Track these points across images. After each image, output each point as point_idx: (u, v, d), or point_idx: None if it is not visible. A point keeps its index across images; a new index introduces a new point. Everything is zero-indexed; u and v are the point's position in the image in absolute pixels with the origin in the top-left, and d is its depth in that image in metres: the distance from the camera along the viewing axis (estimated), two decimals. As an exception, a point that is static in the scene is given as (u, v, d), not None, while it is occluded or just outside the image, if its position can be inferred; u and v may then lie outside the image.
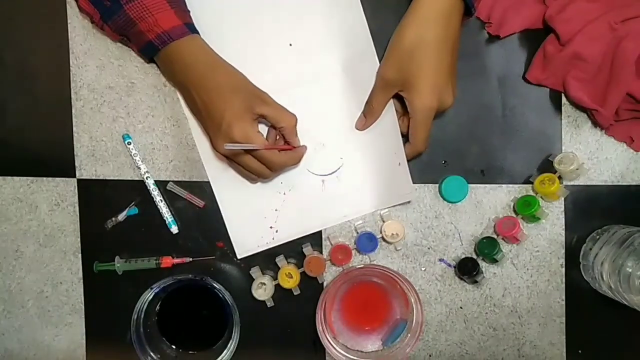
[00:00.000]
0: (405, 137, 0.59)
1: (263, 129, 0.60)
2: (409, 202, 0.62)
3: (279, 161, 0.57)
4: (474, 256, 0.62)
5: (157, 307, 0.65)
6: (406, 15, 0.53)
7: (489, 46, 0.61)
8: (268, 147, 0.55)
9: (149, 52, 0.56)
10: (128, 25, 0.54)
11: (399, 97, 0.57)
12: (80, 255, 0.65)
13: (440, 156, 0.62)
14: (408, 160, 0.59)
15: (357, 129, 0.61)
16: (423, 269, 0.63)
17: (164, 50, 0.55)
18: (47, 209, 0.65)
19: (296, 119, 0.57)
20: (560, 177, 0.59)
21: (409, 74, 0.53)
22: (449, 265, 0.63)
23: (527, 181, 0.61)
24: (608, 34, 0.54)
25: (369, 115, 0.60)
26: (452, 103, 0.55)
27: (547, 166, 0.61)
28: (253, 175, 0.59)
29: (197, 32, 0.57)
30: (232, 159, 0.58)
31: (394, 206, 0.62)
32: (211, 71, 0.55)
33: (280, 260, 0.63)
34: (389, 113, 0.59)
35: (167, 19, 0.53)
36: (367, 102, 0.60)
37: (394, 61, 0.54)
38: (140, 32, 0.54)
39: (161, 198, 0.63)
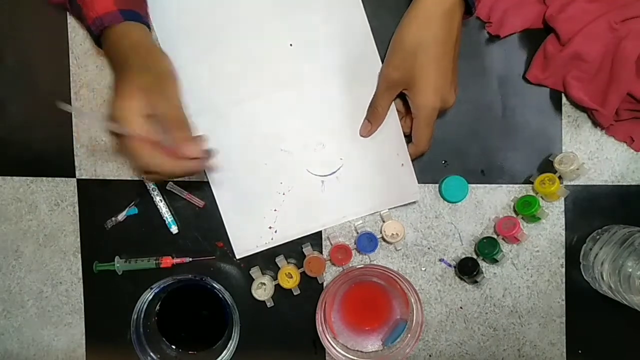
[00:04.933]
0: (408, 138, 0.59)
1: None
2: (414, 202, 0.62)
3: (153, 162, 0.49)
4: (474, 256, 0.62)
5: (157, 307, 0.65)
6: (407, 14, 0.53)
7: (489, 46, 0.61)
8: (140, 137, 0.48)
9: (92, 37, 0.56)
10: (78, 9, 0.55)
11: (401, 97, 0.58)
12: (80, 255, 0.65)
13: (440, 156, 0.62)
14: (412, 160, 0.60)
15: (362, 135, 0.61)
16: (423, 269, 0.63)
17: (103, 38, 0.54)
18: (47, 208, 0.65)
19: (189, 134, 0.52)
20: (560, 177, 0.59)
21: (412, 74, 0.53)
22: (449, 265, 0.63)
23: (527, 181, 0.61)
24: (608, 33, 0.54)
25: (374, 120, 0.59)
26: (454, 102, 0.55)
27: (547, 166, 0.61)
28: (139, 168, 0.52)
29: (141, 20, 0.55)
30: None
31: (395, 206, 0.62)
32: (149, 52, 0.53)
33: (280, 260, 0.63)
34: (391, 114, 0.59)
35: (103, 4, 0.53)
36: (370, 106, 0.59)
37: (396, 61, 0.54)
38: (84, 16, 0.54)
39: (161, 198, 0.63)
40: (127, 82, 0.50)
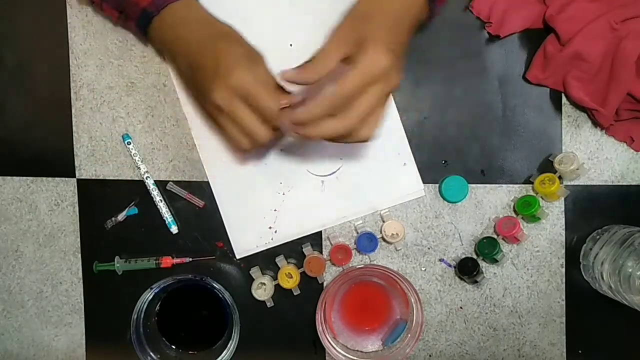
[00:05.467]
0: (409, 138, 0.59)
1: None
2: (417, 198, 0.62)
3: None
4: (474, 256, 0.62)
5: (157, 307, 0.65)
6: None
7: (489, 46, 0.60)
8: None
9: (145, 21, 0.54)
10: (119, 2, 0.54)
11: None
12: (80, 255, 0.65)
13: (440, 156, 0.62)
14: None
15: (286, 79, 0.49)
16: (423, 269, 0.63)
17: (159, 18, 0.53)
18: (47, 208, 0.65)
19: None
20: (560, 177, 0.59)
21: (364, 34, 0.47)
22: (449, 265, 0.63)
23: (528, 181, 0.61)
24: (608, 33, 0.54)
25: (308, 67, 0.48)
26: (398, 83, 0.48)
27: (547, 166, 0.61)
28: (243, 141, 0.51)
29: None
30: (220, 120, 0.51)
31: (394, 206, 0.62)
32: (206, 26, 0.53)
33: (280, 260, 0.63)
34: (392, 113, 0.59)
35: None
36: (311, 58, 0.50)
37: (349, 21, 0.50)
38: (134, 1, 0.53)
39: (161, 198, 0.63)
40: (222, 55, 0.49)
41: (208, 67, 0.50)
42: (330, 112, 0.47)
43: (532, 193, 0.61)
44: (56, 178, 0.65)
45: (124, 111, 0.63)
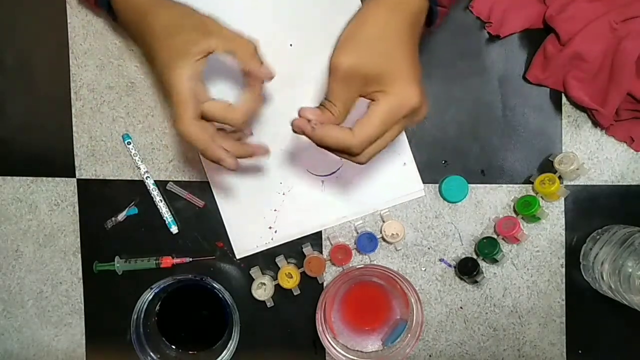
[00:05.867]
0: (409, 137, 0.59)
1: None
2: (417, 198, 0.62)
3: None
4: (474, 256, 0.62)
5: (157, 307, 0.65)
6: (369, 3, 0.44)
7: (489, 46, 0.60)
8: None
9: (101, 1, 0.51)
10: None
11: None
12: (80, 255, 0.65)
13: (440, 156, 0.62)
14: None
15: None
16: (423, 269, 0.63)
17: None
18: (47, 208, 0.65)
19: (254, 45, 0.48)
20: (560, 177, 0.59)
21: (381, 65, 0.42)
22: (449, 265, 0.63)
23: (528, 181, 0.61)
24: (608, 33, 0.54)
25: (324, 115, 0.44)
26: (426, 113, 0.45)
27: (547, 166, 0.61)
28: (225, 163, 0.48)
29: None
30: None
31: (394, 206, 0.62)
32: (146, 15, 0.48)
33: (280, 260, 0.63)
34: None
35: None
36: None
37: (357, 47, 0.42)
38: None
39: (161, 198, 0.63)
40: (159, 49, 0.46)
41: (155, 70, 0.48)
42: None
43: (532, 193, 0.61)
44: (56, 178, 0.65)
45: (124, 111, 0.63)
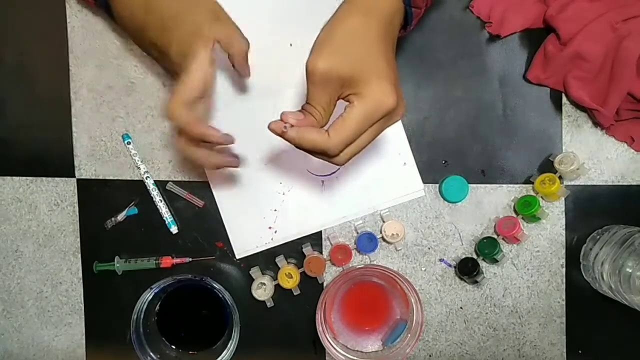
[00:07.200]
0: (409, 137, 0.59)
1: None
2: (417, 199, 0.62)
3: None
4: (474, 256, 0.62)
5: (157, 307, 0.65)
6: (346, 4, 0.43)
7: (489, 46, 0.60)
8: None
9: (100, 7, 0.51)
10: None
11: None
12: (79, 255, 0.65)
13: (441, 156, 0.62)
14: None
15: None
16: (423, 269, 0.63)
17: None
18: (47, 209, 0.65)
19: (248, 45, 0.51)
20: (560, 177, 0.59)
21: (355, 68, 0.41)
22: (449, 265, 0.63)
23: (528, 181, 0.61)
24: (609, 33, 0.54)
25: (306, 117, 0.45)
26: (402, 114, 0.45)
27: (547, 166, 0.61)
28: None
29: None
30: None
31: (394, 206, 0.62)
32: (149, 3, 0.48)
33: (280, 260, 0.63)
34: None
35: None
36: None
37: (332, 51, 0.42)
38: None
39: (161, 198, 0.63)
40: (170, 32, 0.46)
41: (167, 55, 0.48)
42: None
43: (532, 193, 0.61)
44: (56, 178, 0.65)
45: (124, 111, 0.63)
